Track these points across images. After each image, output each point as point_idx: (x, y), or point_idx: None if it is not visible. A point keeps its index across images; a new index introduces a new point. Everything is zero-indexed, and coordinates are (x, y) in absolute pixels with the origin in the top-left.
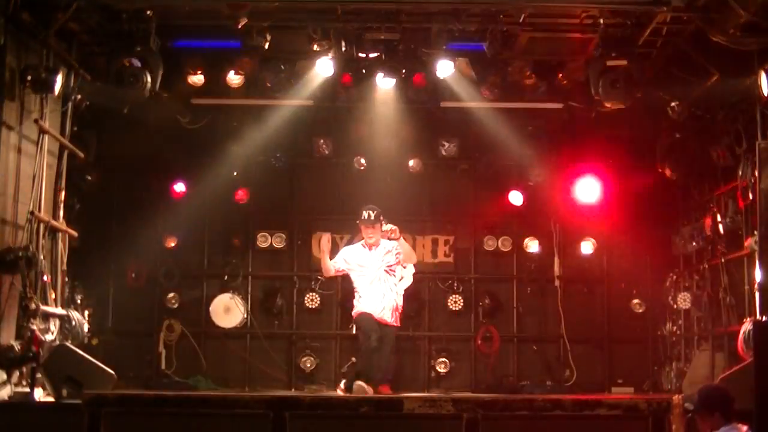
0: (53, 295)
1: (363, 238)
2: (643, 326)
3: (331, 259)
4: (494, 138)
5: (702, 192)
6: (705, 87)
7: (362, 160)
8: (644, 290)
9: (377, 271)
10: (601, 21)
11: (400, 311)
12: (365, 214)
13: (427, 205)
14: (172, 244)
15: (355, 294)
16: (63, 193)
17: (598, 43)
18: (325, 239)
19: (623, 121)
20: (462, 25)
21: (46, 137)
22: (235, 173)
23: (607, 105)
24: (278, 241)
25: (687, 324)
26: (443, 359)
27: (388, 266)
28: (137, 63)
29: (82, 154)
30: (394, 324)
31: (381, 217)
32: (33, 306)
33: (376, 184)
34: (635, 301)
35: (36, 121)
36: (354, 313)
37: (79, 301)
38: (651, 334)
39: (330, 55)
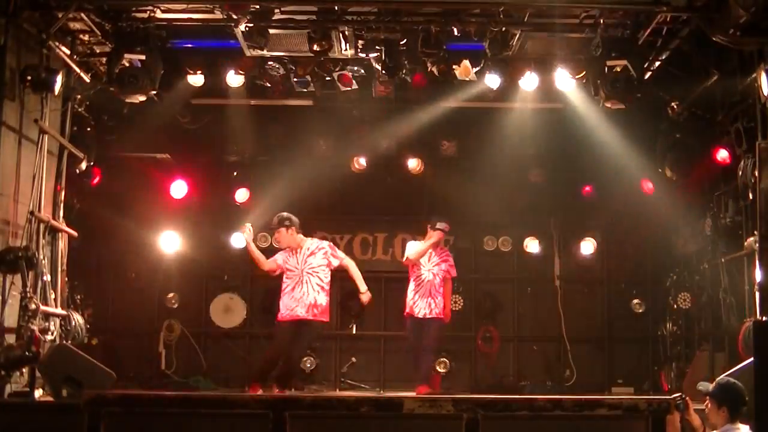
0: (53, 295)
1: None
2: (643, 326)
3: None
4: (494, 138)
5: (702, 192)
6: (705, 87)
7: (362, 161)
8: (644, 290)
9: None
10: (601, 21)
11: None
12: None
13: (427, 205)
14: (174, 244)
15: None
16: (63, 193)
17: (598, 43)
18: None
19: (623, 121)
20: (462, 25)
21: (46, 137)
22: (235, 173)
23: (607, 105)
24: None
25: (687, 324)
26: (443, 359)
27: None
28: (137, 63)
29: (82, 154)
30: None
31: (285, 222)
32: (33, 306)
33: (376, 184)
34: (635, 301)
35: (36, 121)
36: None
37: (79, 301)
38: (651, 334)
39: (330, 55)
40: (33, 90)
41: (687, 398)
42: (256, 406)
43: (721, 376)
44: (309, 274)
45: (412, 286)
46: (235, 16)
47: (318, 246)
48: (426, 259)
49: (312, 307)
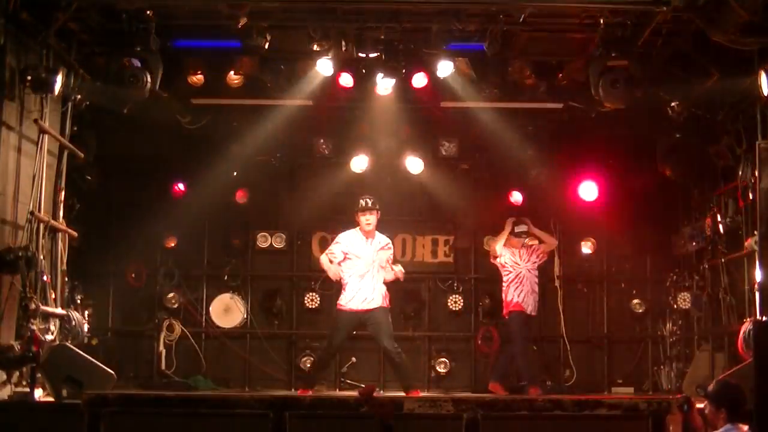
0: (53, 295)
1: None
2: (643, 326)
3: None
4: (494, 138)
5: (702, 192)
6: (705, 87)
7: (362, 160)
8: (644, 290)
9: (371, 264)
10: (601, 21)
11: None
12: (362, 201)
13: (427, 205)
14: (172, 244)
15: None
16: (63, 193)
17: (598, 43)
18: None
19: (623, 121)
20: (462, 25)
21: (46, 137)
22: (235, 173)
23: (607, 105)
24: (278, 241)
25: (687, 324)
26: (443, 359)
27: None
28: (137, 63)
29: (82, 154)
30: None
31: (377, 206)
32: (33, 306)
33: (376, 184)
34: (635, 301)
35: (36, 121)
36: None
37: (79, 301)
38: (651, 334)
39: (330, 55)
40: (33, 90)
41: (691, 399)
42: (256, 406)
43: (719, 377)
44: (378, 266)
45: (512, 285)
46: (234, 16)
47: (387, 244)
48: (518, 257)
49: (385, 296)
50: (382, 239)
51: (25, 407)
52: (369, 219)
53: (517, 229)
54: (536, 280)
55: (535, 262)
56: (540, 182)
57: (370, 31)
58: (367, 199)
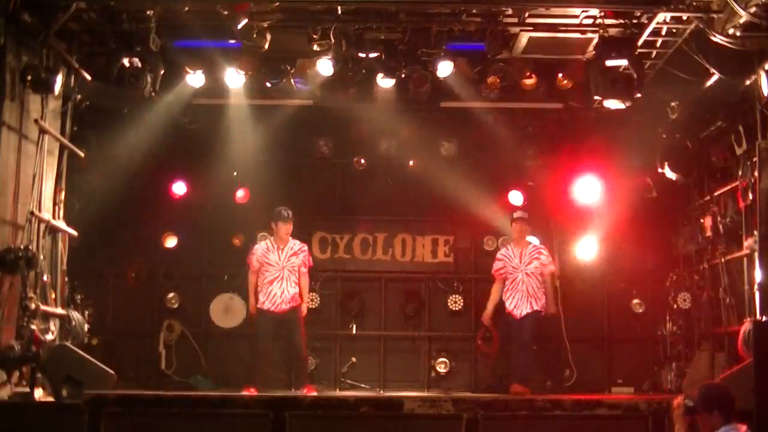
0: (53, 295)
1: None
2: (643, 326)
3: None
4: (494, 138)
5: (702, 192)
6: (705, 87)
7: (362, 160)
8: (644, 290)
9: (281, 271)
10: (601, 21)
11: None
12: (285, 212)
13: (427, 205)
14: (172, 244)
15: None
16: (63, 193)
17: (598, 44)
18: None
19: (623, 121)
20: (462, 25)
21: (46, 137)
22: (235, 173)
23: (607, 105)
24: None
25: (687, 324)
26: (443, 359)
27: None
28: (137, 63)
29: (82, 154)
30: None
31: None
32: (33, 306)
33: (376, 184)
34: (635, 301)
35: (36, 121)
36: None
37: (79, 301)
38: (651, 334)
39: (330, 55)
40: (33, 90)
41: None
42: (256, 406)
43: (702, 384)
44: (289, 271)
45: (508, 287)
46: (234, 16)
47: (301, 248)
48: (518, 260)
49: (293, 299)
50: (294, 245)
51: (25, 407)
52: (287, 230)
53: (515, 215)
54: (537, 284)
55: (537, 267)
56: (539, 182)
57: (370, 31)
58: (284, 211)
